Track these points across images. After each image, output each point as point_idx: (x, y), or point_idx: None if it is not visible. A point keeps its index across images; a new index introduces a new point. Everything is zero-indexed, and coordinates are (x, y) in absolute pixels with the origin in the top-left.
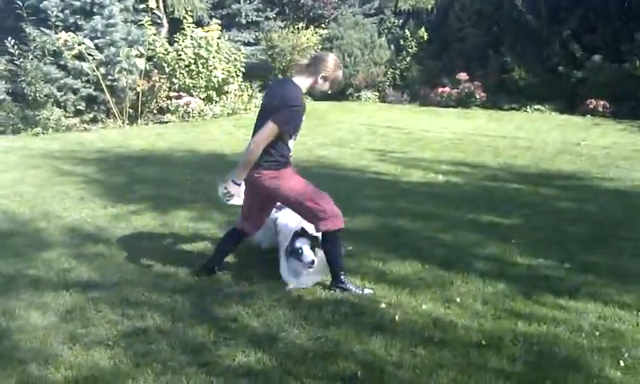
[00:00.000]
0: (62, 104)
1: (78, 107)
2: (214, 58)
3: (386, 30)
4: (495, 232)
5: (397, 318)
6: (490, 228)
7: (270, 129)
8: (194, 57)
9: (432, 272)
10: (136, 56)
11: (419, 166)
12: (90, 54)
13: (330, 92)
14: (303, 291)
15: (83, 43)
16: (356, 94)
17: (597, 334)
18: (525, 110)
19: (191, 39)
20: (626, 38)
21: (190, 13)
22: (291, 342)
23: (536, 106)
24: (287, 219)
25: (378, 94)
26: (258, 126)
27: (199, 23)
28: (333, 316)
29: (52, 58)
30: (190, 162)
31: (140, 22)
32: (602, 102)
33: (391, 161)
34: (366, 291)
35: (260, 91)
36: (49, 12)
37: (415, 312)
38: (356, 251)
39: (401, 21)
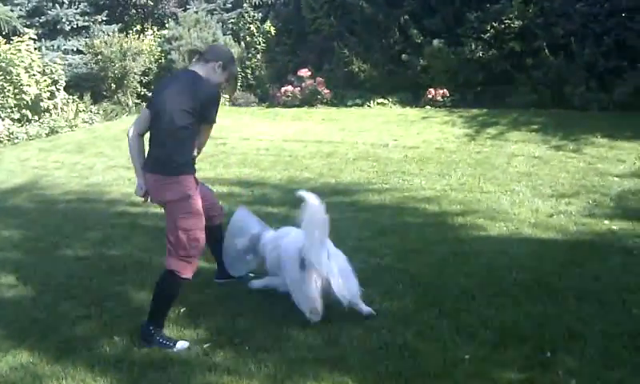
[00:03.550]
0: None
1: None
2: (26, 72)
3: (247, 25)
4: None
5: None
6: None
7: (209, 131)
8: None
9: None
10: None
11: None
12: None
13: (223, 87)
14: None
15: None
16: None
17: None
18: (368, 106)
19: None
20: (466, 20)
21: None
22: None
23: (379, 100)
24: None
25: (227, 97)
26: (167, 122)
27: (14, 34)
28: None
29: None
30: None
31: None
32: (441, 91)
33: None
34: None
35: (93, 104)
36: None
37: None
38: None
39: (261, 14)
